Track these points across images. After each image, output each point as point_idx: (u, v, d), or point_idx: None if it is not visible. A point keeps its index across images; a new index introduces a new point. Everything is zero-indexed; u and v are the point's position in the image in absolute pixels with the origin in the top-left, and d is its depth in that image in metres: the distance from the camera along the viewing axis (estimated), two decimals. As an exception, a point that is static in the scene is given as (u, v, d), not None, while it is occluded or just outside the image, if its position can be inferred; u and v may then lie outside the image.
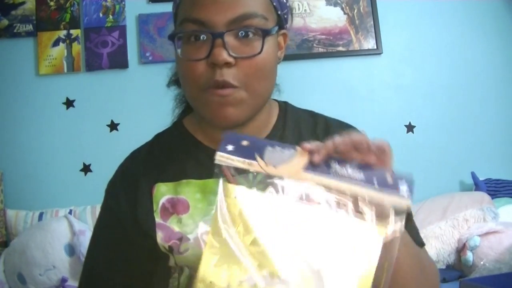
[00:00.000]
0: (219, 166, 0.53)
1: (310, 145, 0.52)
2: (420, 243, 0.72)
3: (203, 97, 0.66)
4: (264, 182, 0.69)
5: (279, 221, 0.50)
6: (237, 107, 0.65)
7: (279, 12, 0.69)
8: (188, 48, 0.65)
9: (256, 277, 0.48)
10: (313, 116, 0.79)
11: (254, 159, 0.53)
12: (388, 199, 0.49)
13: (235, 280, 0.48)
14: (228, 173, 0.53)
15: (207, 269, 0.49)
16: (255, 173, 0.69)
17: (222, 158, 0.53)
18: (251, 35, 0.64)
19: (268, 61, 0.66)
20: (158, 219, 0.69)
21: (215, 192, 0.68)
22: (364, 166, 0.51)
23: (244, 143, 0.53)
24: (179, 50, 0.66)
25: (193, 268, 0.66)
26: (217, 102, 0.65)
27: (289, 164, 0.52)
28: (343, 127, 0.77)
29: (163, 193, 0.70)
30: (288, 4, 0.72)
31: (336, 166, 0.51)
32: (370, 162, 0.52)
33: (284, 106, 0.79)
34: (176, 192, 0.70)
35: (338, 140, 0.52)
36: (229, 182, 0.52)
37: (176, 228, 0.67)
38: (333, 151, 0.52)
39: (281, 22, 0.71)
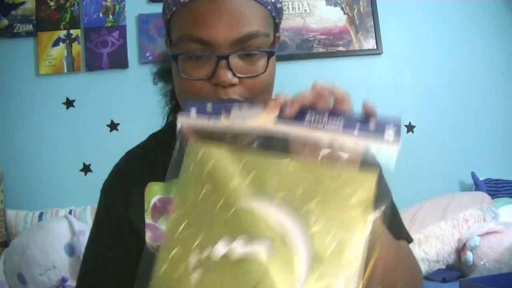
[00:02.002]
0: (181, 130, 0.49)
1: (280, 98, 0.50)
2: (407, 238, 0.74)
3: None
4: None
5: (252, 179, 0.44)
6: None
7: (276, 20, 0.69)
8: (189, 66, 0.64)
9: (229, 244, 0.42)
10: None
11: (219, 117, 0.49)
12: (368, 143, 0.45)
13: (205, 247, 0.43)
14: (191, 135, 0.48)
15: (171, 236, 0.44)
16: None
17: (183, 120, 0.49)
18: (255, 54, 0.63)
19: (271, 76, 0.66)
20: (148, 220, 0.69)
21: None
22: (341, 114, 0.47)
23: (208, 107, 0.50)
24: (180, 67, 0.64)
25: None
26: None
27: (258, 119, 0.48)
28: None
29: (155, 192, 0.70)
30: (281, 6, 0.71)
31: (311, 116, 0.47)
32: (345, 109, 0.49)
33: None
34: (168, 191, 0.70)
35: (310, 90, 0.50)
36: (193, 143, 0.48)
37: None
38: (307, 102, 0.49)
39: (278, 28, 0.70)
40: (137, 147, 0.79)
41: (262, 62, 0.64)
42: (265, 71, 0.64)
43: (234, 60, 0.62)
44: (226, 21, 0.61)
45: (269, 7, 0.65)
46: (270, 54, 0.64)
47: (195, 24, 0.62)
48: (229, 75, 0.61)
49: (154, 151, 0.76)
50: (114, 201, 0.73)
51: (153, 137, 0.80)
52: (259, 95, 0.65)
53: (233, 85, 0.63)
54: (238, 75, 0.62)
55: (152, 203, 0.70)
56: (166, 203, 0.69)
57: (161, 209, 0.69)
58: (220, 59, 0.61)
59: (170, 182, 0.70)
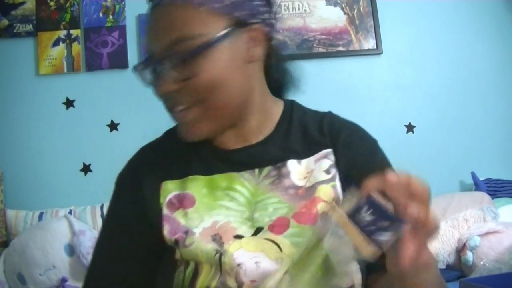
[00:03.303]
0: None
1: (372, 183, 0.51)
2: None
3: (172, 116, 0.71)
4: (269, 175, 0.69)
5: None
6: (197, 124, 0.67)
7: (234, 14, 0.66)
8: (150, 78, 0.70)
9: None
10: (319, 114, 0.79)
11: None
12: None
13: None
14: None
15: None
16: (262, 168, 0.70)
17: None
18: (189, 57, 0.64)
19: (213, 75, 0.65)
20: (165, 211, 0.69)
21: (221, 188, 0.69)
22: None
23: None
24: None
25: (198, 261, 0.66)
26: (180, 122, 0.69)
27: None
28: (346, 126, 0.77)
29: (170, 190, 0.71)
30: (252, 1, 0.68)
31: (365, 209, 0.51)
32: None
33: (290, 105, 0.79)
34: (183, 188, 0.70)
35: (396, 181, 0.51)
36: None
37: (182, 222, 0.68)
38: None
39: (242, 22, 0.67)
40: (152, 142, 0.81)
41: (195, 65, 0.64)
42: (197, 73, 0.64)
43: (168, 66, 0.64)
44: (156, 32, 0.65)
45: (203, 7, 0.64)
46: (194, 53, 0.63)
47: (144, 36, 0.68)
48: (163, 85, 0.65)
49: (167, 146, 0.77)
50: (125, 194, 0.74)
51: (167, 133, 0.81)
52: (207, 96, 0.65)
53: (177, 93, 0.65)
54: (173, 81, 0.64)
55: (167, 199, 0.70)
56: (182, 199, 0.69)
57: (176, 204, 0.69)
58: (154, 67, 0.65)
59: (186, 179, 0.70)
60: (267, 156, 0.71)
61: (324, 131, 0.74)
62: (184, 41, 0.63)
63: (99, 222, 2.04)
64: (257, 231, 0.65)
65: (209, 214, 0.67)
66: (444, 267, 1.83)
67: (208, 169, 0.71)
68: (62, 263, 1.76)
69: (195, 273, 0.65)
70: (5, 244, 2.00)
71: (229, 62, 0.66)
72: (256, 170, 0.70)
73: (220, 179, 0.70)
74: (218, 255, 0.63)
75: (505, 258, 1.65)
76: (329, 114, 0.79)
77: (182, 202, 0.69)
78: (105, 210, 2.07)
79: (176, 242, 0.67)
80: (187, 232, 0.66)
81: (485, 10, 2.42)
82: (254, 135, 0.73)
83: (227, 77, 0.66)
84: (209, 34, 0.64)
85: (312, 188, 0.67)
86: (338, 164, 0.70)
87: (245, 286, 0.59)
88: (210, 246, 0.64)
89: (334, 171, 0.68)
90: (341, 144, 0.72)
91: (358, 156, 0.72)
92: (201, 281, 0.64)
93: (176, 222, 0.68)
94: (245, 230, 0.65)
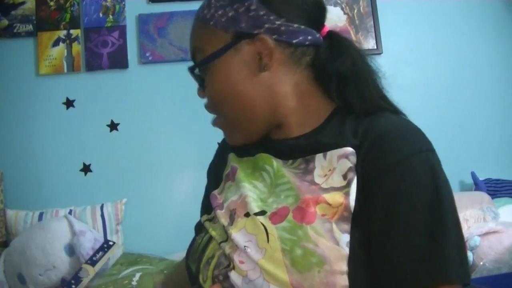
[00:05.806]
0: None
1: None
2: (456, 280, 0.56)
3: None
4: (299, 168, 0.72)
5: None
6: (228, 131, 0.74)
7: (235, 28, 0.67)
8: None
9: None
10: (363, 118, 0.69)
11: None
12: None
13: None
14: None
15: None
16: None
17: None
18: (203, 68, 0.71)
19: (219, 88, 0.69)
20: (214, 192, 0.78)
21: (258, 168, 0.73)
22: None
23: None
24: None
25: (212, 234, 0.70)
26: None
27: None
28: (375, 133, 0.65)
29: (231, 160, 0.78)
30: (237, 13, 0.67)
31: None
32: None
33: (338, 109, 0.73)
34: (238, 162, 0.76)
35: None
36: None
37: (220, 197, 0.75)
38: None
39: (244, 34, 0.67)
40: None
41: (207, 76, 0.70)
42: (206, 84, 0.70)
43: (195, 75, 0.72)
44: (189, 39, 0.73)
45: (211, 22, 0.68)
46: (200, 66, 0.70)
47: None
48: (198, 90, 0.74)
49: None
50: (214, 159, 0.88)
51: None
52: (221, 107, 0.70)
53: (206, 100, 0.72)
54: (201, 88, 0.73)
55: (226, 172, 0.78)
56: (234, 171, 0.75)
57: (230, 176, 0.76)
58: (191, 74, 0.73)
59: (246, 158, 0.75)
60: (300, 149, 0.69)
61: (358, 133, 0.65)
62: (198, 53, 0.71)
63: (99, 222, 2.04)
64: (262, 212, 0.64)
65: (240, 188, 0.70)
66: (444, 267, 1.82)
67: (252, 152, 0.74)
68: (62, 263, 1.76)
69: (208, 242, 0.69)
70: (5, 244, 2.00)
71: (236, 74, 0.68)
72: (290, 161, 0.70)
73: (260, 158, 0.72)
74: (225, 233, 0.67)
75: (505, 258, 1.65)
76: (371, 119, 0.68)
77: (230, 175, 0.76)
78: (105, 210, 2.07)
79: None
80: (220, 205, 0.72)
81: (485, 10, 2.42)
82: (296, 131, 0.71)
83: (235, 89, 0.68)
84: (211, 49, 0.68)
85: (325, 190, 0.63)
86: (357, 167, 0.62)
87: (235, 263, 0.61)
88: (222, 223, 0.68)
89: (351, 174, 0.62)
90: (366, 145, 0.63)
91: (375, 167, 0.61)
92: (209, 250, 0.67)
93: (215, 196, 0.76)
94: (254, 209, 0.65)
